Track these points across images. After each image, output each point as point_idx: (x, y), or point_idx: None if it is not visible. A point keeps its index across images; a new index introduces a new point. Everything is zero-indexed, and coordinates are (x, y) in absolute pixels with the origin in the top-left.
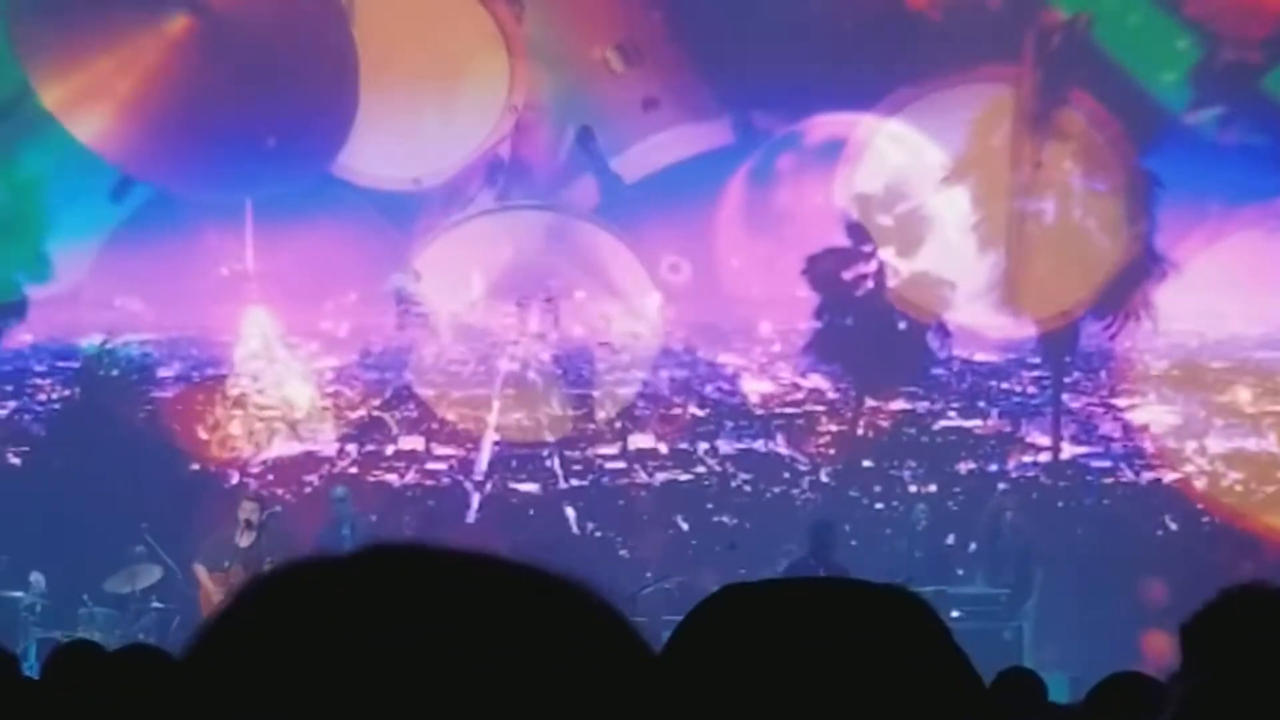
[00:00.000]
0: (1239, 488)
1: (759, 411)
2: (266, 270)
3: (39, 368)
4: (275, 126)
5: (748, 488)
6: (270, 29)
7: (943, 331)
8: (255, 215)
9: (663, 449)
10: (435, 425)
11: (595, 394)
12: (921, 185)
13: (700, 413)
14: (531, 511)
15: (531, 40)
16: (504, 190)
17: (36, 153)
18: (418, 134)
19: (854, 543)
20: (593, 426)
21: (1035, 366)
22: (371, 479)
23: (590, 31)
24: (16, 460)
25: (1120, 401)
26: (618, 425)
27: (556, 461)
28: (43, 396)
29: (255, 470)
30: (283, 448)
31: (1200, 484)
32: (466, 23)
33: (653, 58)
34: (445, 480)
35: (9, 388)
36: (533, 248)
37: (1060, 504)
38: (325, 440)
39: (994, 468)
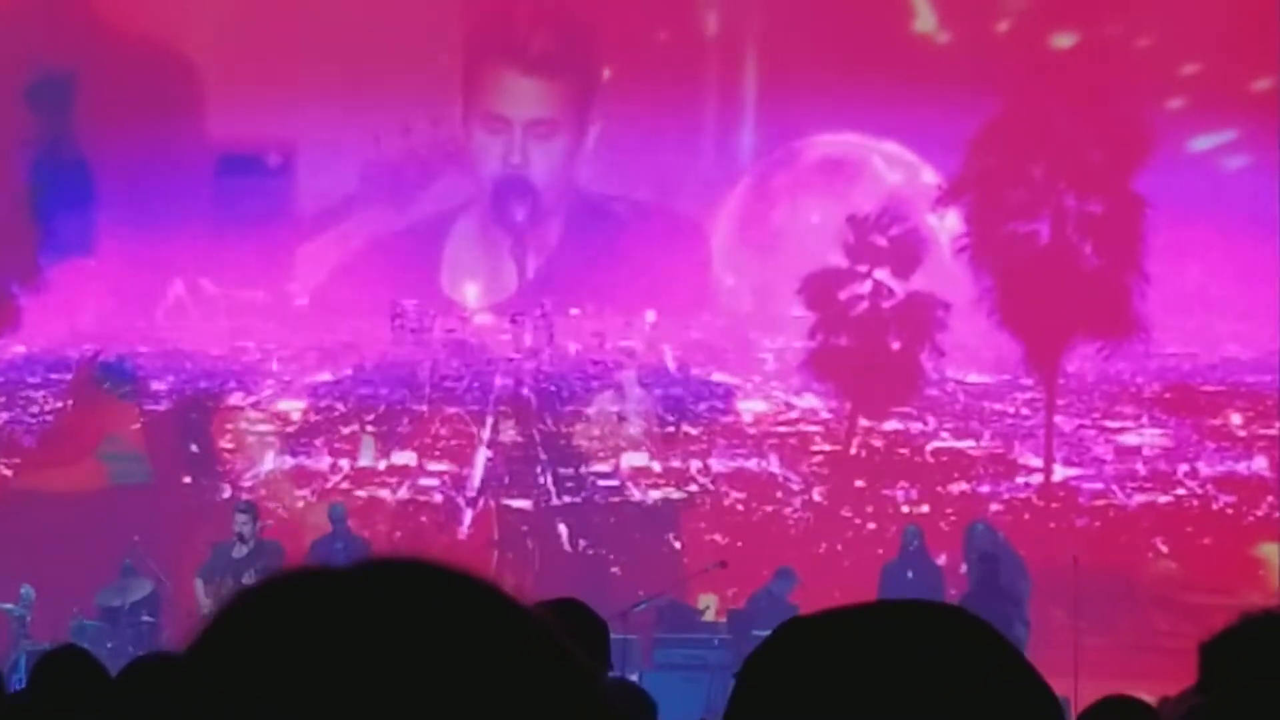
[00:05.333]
0: (1230, 511)
1: (752, 430)
2: (262, 286)
3: (32, 379)
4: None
5: (740, 506)
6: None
7: (936, 352)
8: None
9: (655, 467)
10: (428, 440)
11: (589, 411)
12: (917, 206)
13: (693, 431)
14: (524, 528)
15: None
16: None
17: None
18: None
19: (845, 563)
20: (586, 443)
21: (1028, 388)
22: (364, 493)
23: (591, 48)
24: (8, 471)
25: (1112, 423)
26: (611, 443)
27: (549, 478)
28: (35, 409)
29: (247, 484)
30: (275, 462)
31: (1191, 507)
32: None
33: (651, 76)
34: (438, 496)
35: (1, 399)
36: (529, 265)
37: (1052, 525)
38: (317, 454)
39: (986, 489)
